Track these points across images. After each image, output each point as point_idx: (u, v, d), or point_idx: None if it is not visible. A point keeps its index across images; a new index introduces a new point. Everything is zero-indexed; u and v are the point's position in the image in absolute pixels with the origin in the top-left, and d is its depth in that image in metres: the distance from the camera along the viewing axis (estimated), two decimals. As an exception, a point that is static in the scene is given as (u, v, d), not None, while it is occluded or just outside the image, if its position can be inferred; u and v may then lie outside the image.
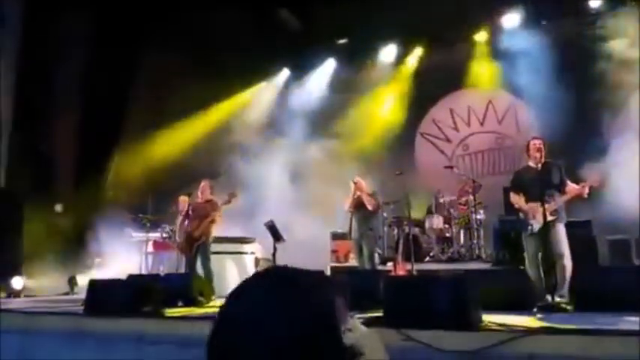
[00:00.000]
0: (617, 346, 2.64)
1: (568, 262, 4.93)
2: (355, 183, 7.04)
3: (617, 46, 8.28)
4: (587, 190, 5.13)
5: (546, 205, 5.06)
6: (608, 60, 8.24)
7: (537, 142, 5.43)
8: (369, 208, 6.94)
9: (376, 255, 8.24)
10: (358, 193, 6.99)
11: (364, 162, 9.33)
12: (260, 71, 11.24)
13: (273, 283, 0.87)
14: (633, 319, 3.24)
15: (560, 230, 5.09)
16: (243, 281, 0.90)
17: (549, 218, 5.05)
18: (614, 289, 3.92)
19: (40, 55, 8.92)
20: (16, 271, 7.76)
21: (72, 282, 8.30)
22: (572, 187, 5.24)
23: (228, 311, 0.85)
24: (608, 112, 7.88)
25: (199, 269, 6.93)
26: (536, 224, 5.14)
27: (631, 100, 7.66)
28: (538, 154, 5.31)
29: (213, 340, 0.84)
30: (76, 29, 9.27)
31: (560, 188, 5.28)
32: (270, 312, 0.81)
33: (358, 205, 7.00)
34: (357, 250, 7.08)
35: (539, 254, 5.12)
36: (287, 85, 11.77)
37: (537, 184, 5.21)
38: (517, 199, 5.43)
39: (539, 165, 5.29)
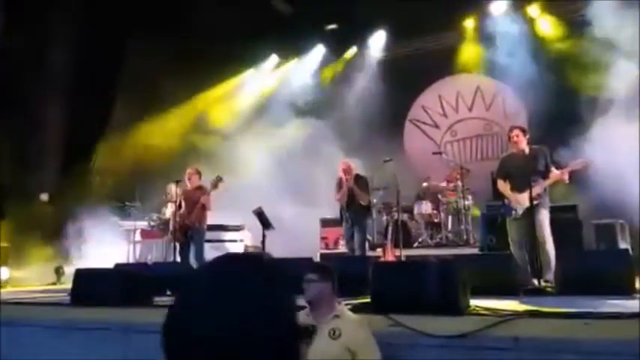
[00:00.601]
0: (602, 328, 2.67)
1: (550, 246, 5.05)
2: (347, 179, 6.84)
3: (602, 29, 8.30)
4: (566, 176, 5.21)
5: (526, 192, 5.14)
6: (592, 43, 8.26)
7: (514, 132, 5.54)
8: (363, 203, 6.89)
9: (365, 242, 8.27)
10: (347, 177, 6.90)
11: (353, 148, 9.31)
12: (248, 57, 11.13)
13: (225, 271, 0.87)
14: (617, 302, 3.29)
15: (543, 215, 5.19)
16: (197, 269, 0.91)
17: (534, 203, 5.11)
18: (598, 272, 3.96)
19: (27, 43, 8.73)
20: (1, 261, 7.67)
21: (58, 272, 8.23)
22: (554, 172, 5.32)
23: (182, 297, 0.85)
24: (592, 94, 7.91)
25: (191, 257, 6.90)
26: (520, 209, 5.26)
27: (613, 81, 7.71)
28: (515, 144, 5.44)
29: (168, 327, 0.84)
30: (63, 17, 9.08)
31: (545, 174, 5.36)
32: (220, 298, 0.81)
33: (351, 199, 6.89)
34: (347, 237, 7.06)
35: (524, 239, 5.26)
36: (275, 71, 11.68)
37: (521, 171, 5.31)
38: (502, 186, 5.55)
39: (523, 152, 5.39)
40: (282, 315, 0.85)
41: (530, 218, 5.15)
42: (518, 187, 5.33)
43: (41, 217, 8.99)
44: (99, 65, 9.38)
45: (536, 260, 5.02)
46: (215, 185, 6.92)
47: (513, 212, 5.34)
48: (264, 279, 0.87)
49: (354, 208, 6.87)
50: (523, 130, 5.59)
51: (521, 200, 5.25)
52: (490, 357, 2.74)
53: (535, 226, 5.12)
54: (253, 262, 0.90)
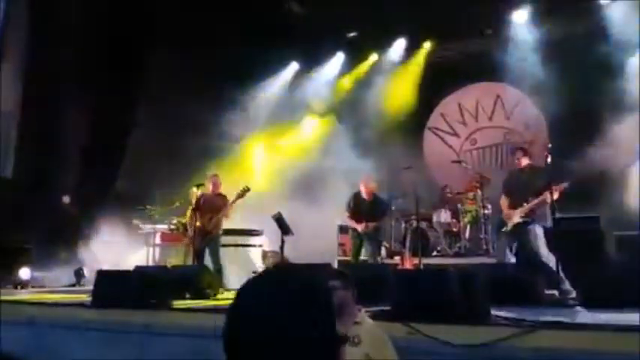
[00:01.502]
0: (621, 342, 2.62)
1: (545, 259, 5.25)
2: (367, 190, 7.11)
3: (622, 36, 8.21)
4: (548, 199, 5.40)
5: (518, 209, 5.64)
6: (613, 51, 8.16)
7: (516, 154, 6.03)
8: (375, 224, 7.07)
9: (383, 249, 8.26)
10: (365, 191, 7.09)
11: (374, 156, 9.30)
12: (269, 65, 11.20)
13: (281, 280, 0.98)
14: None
15: (533, 231, 5.47)
16: (254, 277, 1.01)
17: (521, 219, 5.57)
18: (620, 285, 3.88)
19: (50, 44, 8.91)
20: (24, 261, 7.81)
21: (79, 273, 8.34)
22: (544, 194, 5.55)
23: (241, 305, 0.95)
24: (614, 105, 7.78)
25: (208, 262, 6.97)
26: (510, 224, 5.70)
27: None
28: (517, 164, 5.94)
29: (228, 333, 0.93)
30: (88, 16, 9.23)
31: (540, 193, 5.57)
32: (278, 307, 0.91)
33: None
34: (355, 250, 7.21)
35: (515, 251, 5.68)
36: (296, 79, 11.73)
37: (518, 189, 5.77)
38: (503, 202, 5.98)
39: (522, 171, 5.87)
40: (327, 322, 0.94)
41: (520, 233, 5.57)
42: (514, 204, 5.75)
43: (63, 219, 9.13)
44: (125, 66, 9.54)
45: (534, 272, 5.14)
46: (242, 195, 7.02)
47: (504, 227, 5.80)
48: (319, 289, 0.98)
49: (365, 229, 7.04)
50: (524, 150, 6.07)
51: (512, 216, 5.68)
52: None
53: (526, 240, 5.49)
54: (307, 273, 1.00)
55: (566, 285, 4.84)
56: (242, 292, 0.97)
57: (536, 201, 5.55)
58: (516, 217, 5.63)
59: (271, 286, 0.96)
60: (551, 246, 5.85)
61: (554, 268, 5.00)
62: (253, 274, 1.04)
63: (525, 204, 5.59)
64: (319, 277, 1.04)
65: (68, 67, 9.07)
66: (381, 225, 7.30)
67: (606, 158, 7.03)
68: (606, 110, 7.75)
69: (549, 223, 5.49)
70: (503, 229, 5.81)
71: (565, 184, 5.49)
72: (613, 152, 7.06)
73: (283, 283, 0.96)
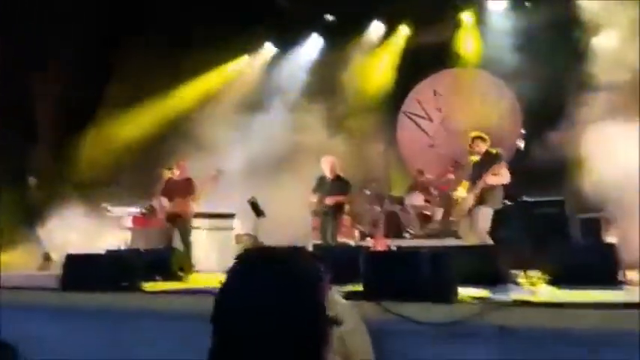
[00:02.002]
0: (587, 318, 2.73)
1: (483, 239, 5.79)
2: (329, 168, 7.27)
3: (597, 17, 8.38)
4: (488, 180, 5.98)
5: (467, 193, 6.19)
6: (587, 35, 8.33)
7: (474, 142, 6.42)
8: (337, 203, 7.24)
9: (356, 232, 8.36)
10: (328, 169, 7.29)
11: (347, 139, 9.33)
12: (242, 45, 11.04)
13: (269, 261, 0.98)
14: (601, 293, 3.36)
15: (481, 212, 5.98)
16: (241, 258, 1.00)
17: (471, 203, 6.06)
18: (584, 265, 4.02)
19: (15, 30, 8.58)
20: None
21: (47, 257, 8.18)
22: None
23: (229, 287, 0.95)
24: (587, 89, 7.96)
25: (178, 244, 6.95)
26: (466, 207, 6.19)
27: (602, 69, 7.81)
28: (478, 149, 6.34)
29: (218, 313, 0.93)
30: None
31: (495, 175, 6.07)
32: (268, 287, 0.91)
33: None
34: (322, 230, 7.42)
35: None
36: (270, 60, 11.61)
37: (474, 174, 6.25)
38: (464, 186, 6.44)
39: (479, 157, 6.31)
40: (319, 304, 0.96)
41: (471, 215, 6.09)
42: (470, 188, 6.22)
43: (29, 201, 8.91)
44: (93, 46, 9.27)
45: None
46: (215, 179, 7.08)
47: (464, 209, 6.27)
48: (311, 270, 0.99)
49: (327, 209, 7.26)
50: (482, 139, 6.45)
51: (468, 199, 6.16)
52: (478, 344, 2.79)
53: (475, 221, 5.99)
54: (304, 254, 1.03)
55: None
56: (231, 276, 0.96)
57: (480, 185, 6.00)
58: (470, 200, 6.07)
59: (262, 269, 0.95)
60: (503, 228, 6.48)
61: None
62: (236, 258, 1.03)
63: (476, 188, 6.05)
64: (310, 260, 1.03)
65: (36, 44, 8.76)
66: (343, 203, 7.43)
67: (570, 142, 7.24)
68: (573, 95, 7.91)
69: (498, 205, 6.05)
70: (463, 213, 6.29)
71: (498, 166, 5.96)
72: (577, 136, 7.26)
73: (273, 267, 0.96)
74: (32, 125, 9.33)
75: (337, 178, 7.35)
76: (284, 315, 0.89)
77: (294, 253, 1.01)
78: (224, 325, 0.91)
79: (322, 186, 7.36)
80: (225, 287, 0.95)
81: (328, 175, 7.34)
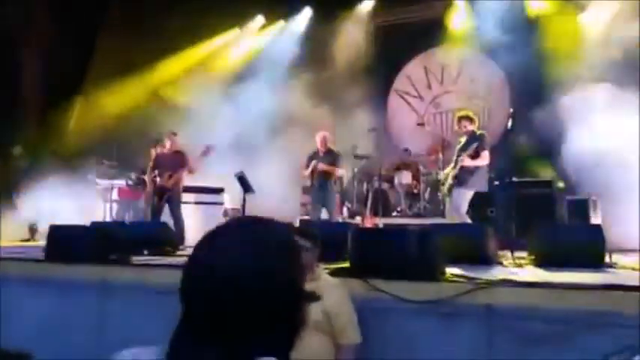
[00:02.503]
0: (571, 299, 2.76)
1: (462, 220, 5.87)
2: (321, 142, 7.28)
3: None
4: (464, 162, 6.06)
5: (446, 171, 6.31)
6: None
7: (462, 122, 6.39)
8: (330, 176, 7.29)
9: (345, 209, 8.37)
10: (322, 149, 7.28)
11: (337, 115, 9.26)
12: (233, 17, 10.83)
13: (242, 231, 0.92)
14: (587, 274, 3.40)
15: (458, 193, 6.06)
16: (213, 229, 0.94)
17: (449, 182, 6.17)
18: (571, 247, 4.06)
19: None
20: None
21: (32, 229, 8.10)
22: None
23: (199, 257, 0.89)
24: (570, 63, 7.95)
25: (167, 218, 6.90)
26: (447, 185, 6.29)
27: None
28: (465, 129, 6.31)
29: (185, 283, 0.87)
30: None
31: (473, 157, 6.09)
32: (238, 258, 0.85)
33: (319, 173, 7.25)
34: (314, 209, 7.37)
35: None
36: (261, 32, 11.42)
37: (458, 154, 6.23)
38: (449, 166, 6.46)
39: (466, 136, 6.29)
40: (293, 276, 0.90)
41: (451, 195, 6.23)
42: (453, 168, 6.26)
43: (14, 171, 8.77)
44: (78, 22, 9.02)
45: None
46: (205, 154, 6.98)
47: (445, 189, 6.40)
48: (285, 239, 0.94)
49: (320, 180, 7.29)
50: (469, 119, 6.41)
51: (448, 179, 6.26)
52: (464, 323, 2.82)
53: (452, 200, 6.12)
54: (278, 224, 0.97)
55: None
56: (201, 243, 0.91)
57: (459, 165, 6.08)
58: (450, 179, 6.16)
59: (233, 236, 0.91)
60: (490, 208, 6.75)
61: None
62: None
63: (455, 168, 6.13)
64: (286, 230, 0.98)
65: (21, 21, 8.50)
66: (334, 174, 7.46)
67: (557, 124, 7.27)
68: (564, 72, 7.91)
69: (481, 188, 6.14)
70: (444, 193, 6.44)
71: (472, 148, 5.98)
72: (565, 118, 7.28)
73: (247, 234, 0.91)
74: (18, 95, 9.11)
75: (328, 151, 7.44)
76: (250, 283, 0.84)
77: (268, 222, 0.96)
78: (189, 294, 0.87)
79: (314, 159, 7.42)
80: (192, 256, 0.90)
81: (320, 147, 7.40)
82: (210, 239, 0.91)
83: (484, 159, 6.12)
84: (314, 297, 0.95)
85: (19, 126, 9.21)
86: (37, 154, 9.08)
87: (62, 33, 8.92)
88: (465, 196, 6.06)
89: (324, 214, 7.40)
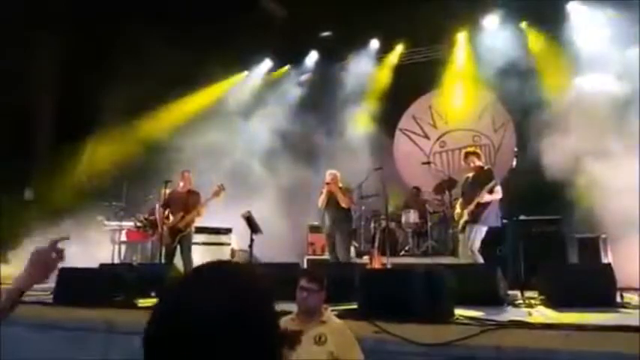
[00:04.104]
0: (582, 340, 2.71)
1: (475, 259, 5.74)
2: (328, 183, 7.03)
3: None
4: (482, 199, 5.91)
5: (462, 210, 6.11)
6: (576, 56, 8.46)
7: (469, 158, 6.31)
8: (343, 205, 6.97)
9: (352, 248, 8.31)
10: (332, 189, 7.00)
11: (344, 155, 9.34)
12: (241, 61, 11.13)
13: (208, 278, 0.87)
14: (598, 315, 3.34)
15: (471, 231, 5.91)
16: (186, 274, 0.92)
17: (468, 219, 5.96)
18: (582, 286, 4.01)
19: (11, 40, 8.61)
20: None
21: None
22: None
23: (166, 300, 0.85)
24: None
25: (177, 260, 6.85)
26: (461, 223, 6.12)
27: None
28: (472, 166, 6.24)
29: (148, 329, 0.82)
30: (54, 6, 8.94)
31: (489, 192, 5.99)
32: (202, 307, 0.80)
33: (332, 202, 7.01)
34: (329, 244, 7.13)
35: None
36: (268, 76, 11.69)
37: (468, 191, 6.15)
38: (459, 204, 6.34)
39: (472, 173, 6.21)
40: (264, 317, 0.85)
41: (463, 233, 6.03)
42: (464, 205, 6.13)
43: (25, 213, 8.86)
44: (90, 64, 9.30)
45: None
46: (217, 194, 6.89)
47: (459, 227, 6.20)
48: (247, 282, 0.88)
49: (333, 209, 6.98)
50: (476, 155, 6.38)
51: (463, 216, 6.08)
52: (473, 366, 2.77)
53: (467, 238, 5.92)
54: (241, 267, 0.93)
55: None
56: (168, 290, 0.87)
57: (473, 204, 5.94)
58: (465, 216, 6.01)
59: (198, 283, 0.86)
60: (499, 246, 6.58)
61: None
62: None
63: (471, 205, 5.99)
64: (258, 273, 0.92)
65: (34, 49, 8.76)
66: (349, 210, 7.21)
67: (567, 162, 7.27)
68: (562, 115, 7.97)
69: (495, 223, 5.98)
70: (455, 229, 6.31)
71: (492, 184, 5.91)
72: (571, 156, 7.29)
73: (215, 280, 0.86)
74: (29, 138, 9.32)
75: (340, 187, 7.18)
76: (215, 332, 0.79)
77: (237, 267, 0.92)
78: (152, 339, 0.83)
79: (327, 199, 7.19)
80: (163, 298, 0.86)
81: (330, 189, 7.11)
82: (179, 286, 0.87)
83: (498, 193, 6.01)
84: (294, 337, 0.92)
85: (30, 169, 9.37)
86: (47, 196, 9.19)
87: (74, 76, 9.17)
88: (478, 233, 5.91)
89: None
